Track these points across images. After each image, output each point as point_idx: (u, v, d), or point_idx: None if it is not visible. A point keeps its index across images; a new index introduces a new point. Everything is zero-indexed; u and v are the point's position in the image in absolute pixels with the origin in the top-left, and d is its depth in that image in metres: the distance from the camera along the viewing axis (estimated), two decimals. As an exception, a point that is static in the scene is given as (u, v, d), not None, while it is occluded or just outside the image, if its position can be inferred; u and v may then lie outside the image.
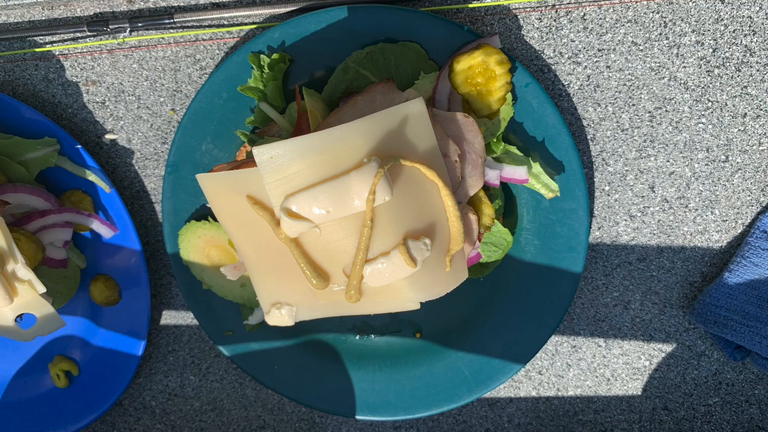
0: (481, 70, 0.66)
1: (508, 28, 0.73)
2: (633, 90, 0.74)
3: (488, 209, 0.68)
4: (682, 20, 0.71)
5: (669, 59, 0.72)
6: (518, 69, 0.69)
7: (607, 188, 0.77)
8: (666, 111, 0.74)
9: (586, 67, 0.74)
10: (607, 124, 0.75)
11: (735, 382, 0.80)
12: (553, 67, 0.74)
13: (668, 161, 0.75)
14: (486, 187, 0.70)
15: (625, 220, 0.77)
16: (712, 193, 0.75)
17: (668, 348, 0.80)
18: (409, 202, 0.59)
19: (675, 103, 0.73)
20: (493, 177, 0.69)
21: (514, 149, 0.70)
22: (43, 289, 0.69)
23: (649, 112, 0.74)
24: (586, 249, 0.73)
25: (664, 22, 0.71)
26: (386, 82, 0.66)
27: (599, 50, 0.73)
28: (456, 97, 0.69)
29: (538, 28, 0.73)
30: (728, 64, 0.72)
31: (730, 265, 0.75)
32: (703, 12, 0.71)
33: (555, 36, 0.73)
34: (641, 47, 0.72)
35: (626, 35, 0.72)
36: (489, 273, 0.76)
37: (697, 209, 0.76)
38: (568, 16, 0.72)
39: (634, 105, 0.74)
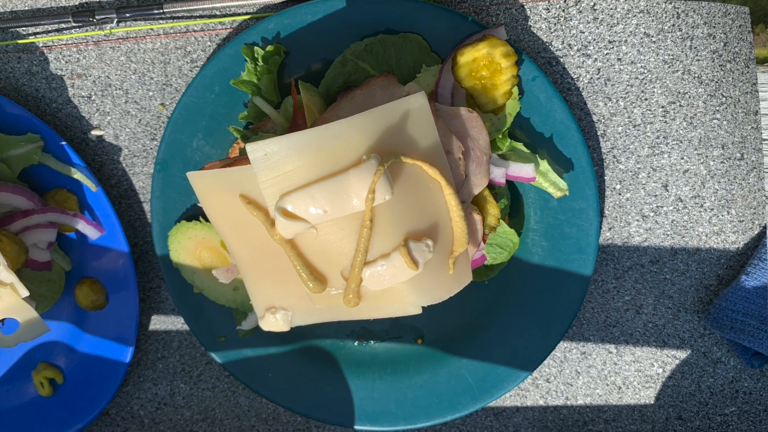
0: (486, 63, 0.67)
1: (515, 18, 0.74)
2: (645, 84, 0.74)
3: (493, 209, 0.68)
4: (694, 11, 0.71)
5: (682, 52, 0.73)
6: (525, 62, 0.69)
7: (618, 187, 0.77)
8: (680, 106, 0.74)
9: (596, 59, 0.74)
10: (618, 120, 0.75)
11: (752, 391, 0.80)
12: (561, 60, 0.74)
13: (682, 158, 0.75)
14: (491, 186, 0.70)
15: (638, 221, 0.77)
16: (728, 192, 0.75)
17: (682, 354, 0.80)
18: (411, 202, 0.59)
19: (689, 97, 0.74)
20: (499, 175, 0.69)
21: (520, 146, 0.70)
22: (26, 293, 0.69)
23: (663, 107, 0.74)
24: (597, 251, 0.73)
25: (677, 12, 0.72)
26: (386, 76, 0.67)
27: (610, 42, 0.73)
28: (459, 91, 0.69)
29: (545, 18, 0.73)
30: (738, 59, 0.72)
31: (747, 267, 0.75)
32: (713, 4, 0.71)
33: (563, 27, 0.73)
34: (654, 39, 0.72)
35: (638, 26, 0.72)
36: (494, 276, 0.76)
37: (712, 209, 0.76)
38: (578, 6, 0.72)
39: (646, 99, 0.74)
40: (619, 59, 0.73)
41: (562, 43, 0.74)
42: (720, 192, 0.76)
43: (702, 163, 0.75)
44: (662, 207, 0.77)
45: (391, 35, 0.70)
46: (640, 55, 0.73)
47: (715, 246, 0.77)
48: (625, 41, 0.73)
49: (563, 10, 0.73)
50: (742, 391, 0.80)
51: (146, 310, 0.84)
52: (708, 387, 0.80)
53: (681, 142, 0.75)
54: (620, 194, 0.77)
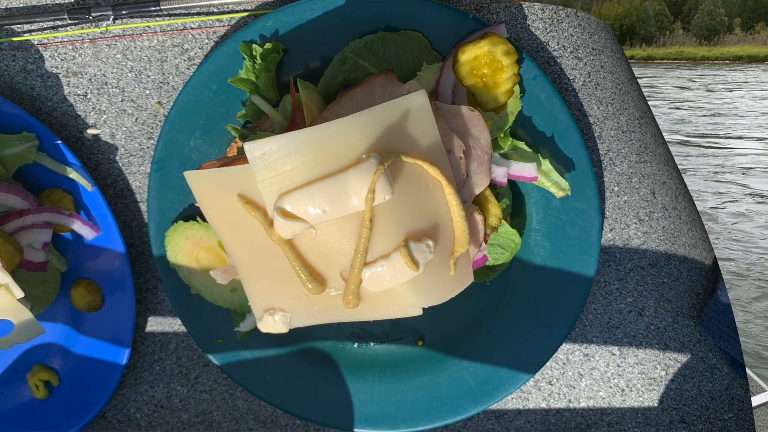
0: (488, 61, 0.66)
1: (514, 17, 0.74)
2: (624, 94, 0.76)
3: (495, 209, 0.68)
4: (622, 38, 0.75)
5: (634, 71, 0.76)
6: (525, 60, 0.69)
7: (616, 189, 0.77)
8: (647, 121, 0.76)
9: (586, 63, 0.75)
10: (610, 124, 0.76)
11: (744, 399, 0.80)
12: (558, 60, 0.74)
13: (659, 170, 0.77)
14: (493, 185, 0.69)
15: (635, 223, 0.78)
16: (693, 211, 0.77)
17: (683, 358, 0.80)
18: (411, 202, 0.59)
19: (648, 117, 0.77)
20: (501, 174, 0.69)
21: (522, 145, 0.70)
22: (21, 294, 0.68)
23: (638, 118, 0.76)
24: (599, 251, 0.73)
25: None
26: (386, 74, 0.66)
27: (593, 49, 0.74)
28: (461, 90, 0.68)
29: (541, 18, 0.73)
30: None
31: (719, 283, 0.77)
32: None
33: (557, 29, 0.74)
34: (617, 55, 0.75)
35: (607, 40, 0.74)
36: (496, 277, 0.75)
37: (687, 222, 0.78)
38: (566, 10, 0.73)
39: (626, 109, 0.76)
40: (602, 66, 0.75)
41: (558, 44, 0.74)
42: (688, 209, 0.78)
43: (672, 178, 0.77)
44: (654, 212, 0.78)
45: (392, 32, 0.69)
46: (613, 66, 0.75)
47: (696, 257, 0.78)
48: (602, 51, 0.74)
49: (555, 12, 0.73)
50: (737, 399, 0.80)
51: (143, 312, 0.84)
52: (708, 391, 0.80)
53: (656, 154, 0.76)
54: (618, 196, 0.77)
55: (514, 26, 0.74)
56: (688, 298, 0.79)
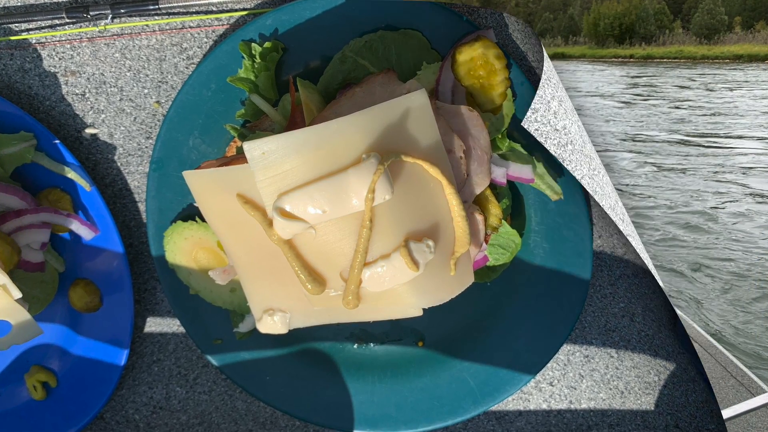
0: (482, 63, 0.67)
1: (498, 24, 0.74)
2: (580, 112, 0.76)
3: (495, 209, 0.68)
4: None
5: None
6: (513, 66, 0.70)
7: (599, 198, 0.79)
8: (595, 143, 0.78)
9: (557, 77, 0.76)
10: (591, 138, 0.77)
11: (719, 415, 0.81)
12: (537, 71, 0.75)
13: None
14: (493, 186, 0.69)
15: (617, 233, 0.79)
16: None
17: (671, 366, 0.81)
18: (411, 202, 0.59)
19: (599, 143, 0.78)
20: (500, 175, 0.69)
21: (519, 147, 0.70)
22: (18, 295, 0.68)
23: (592, 141, 0.77)
24: (592, 255, 0.73)
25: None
26: (386, 73, 0.66)
27: (555, 65, 0.75)
28: (460, 90, 0.69)
29: (518, 30, 0.74)
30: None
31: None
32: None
33: (529, 42, 0.74)
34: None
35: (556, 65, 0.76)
36: (496, 277, 0.75)
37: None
38: (530, 28, 0.74)
39: (588, 129, 0.77)
40: (566, 84, 0.75)
41: (533, 56, 0.74)
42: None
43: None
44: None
45: (391, 32, 0.69)
46: (568, 88, 0.76)
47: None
48: (562, 72, 0.75)
49: (524, 26, 0.74)
50: (715, 413, 0.80)
51: (141, 312, 0.84)
52: (693, 401, 0.81)
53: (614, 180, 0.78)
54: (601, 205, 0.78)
55: (501, 32, 0.74)
56: (665, 310, 0.79)
